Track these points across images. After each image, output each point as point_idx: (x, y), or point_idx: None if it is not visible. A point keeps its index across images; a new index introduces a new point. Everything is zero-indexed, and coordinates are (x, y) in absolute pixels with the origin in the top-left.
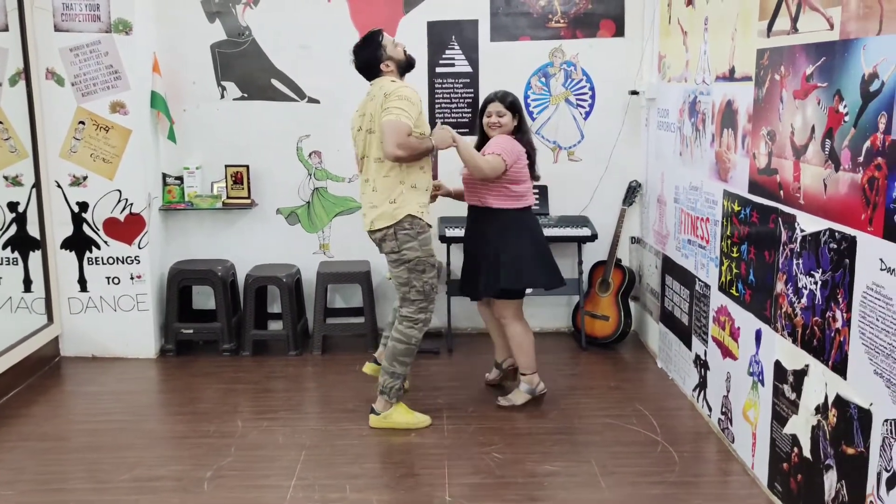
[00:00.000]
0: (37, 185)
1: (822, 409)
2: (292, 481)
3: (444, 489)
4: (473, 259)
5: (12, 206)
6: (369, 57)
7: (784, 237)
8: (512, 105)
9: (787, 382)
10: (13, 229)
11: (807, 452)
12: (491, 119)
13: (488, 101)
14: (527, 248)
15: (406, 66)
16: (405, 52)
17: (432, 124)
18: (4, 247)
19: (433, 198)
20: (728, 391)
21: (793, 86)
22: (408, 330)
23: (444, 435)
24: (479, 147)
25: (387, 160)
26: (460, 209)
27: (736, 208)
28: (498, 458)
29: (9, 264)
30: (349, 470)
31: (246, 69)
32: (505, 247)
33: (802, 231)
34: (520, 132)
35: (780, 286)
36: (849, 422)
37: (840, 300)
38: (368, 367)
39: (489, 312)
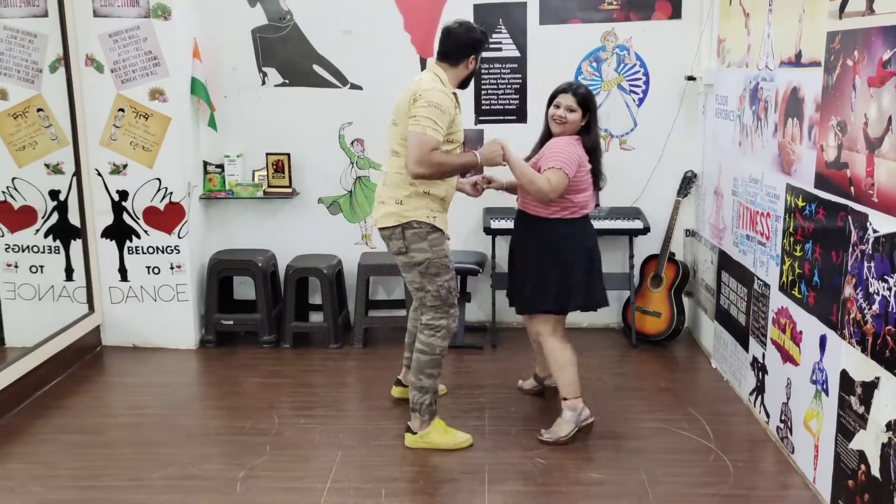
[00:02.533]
0: (77, 173)
1: (893, 427)
2: (327, 484)
3: (484, 496)
4: (518, 271)
5: (54, 194)
6: (473, 40)
7: (854, 237)
8: (584, 101)
9: (855, 394)
10: (55, 217)
11: (875, 471)
12: (559, 111)
13: (559, 90)
14: (579, 267)
15: (469, 80)
16: (472, 73)
17: (478, 111)
18: (46, 235)
19: (480, 190)
20: (788, 398)
21: (867, 72)
22: (430, 339)
23: (484, 437)
24: (542, 140)
25: (405, 156)
26: (506, 200)
27: (800, 204)
28: (541, 463)
29: (51, 252)
30: (386, 473)
31: (287, 55)
32: (556, 264)
33: (875, 231)
34: (586, 133)
35: (848, 290)
36: None
37: None
38: (395, 391)
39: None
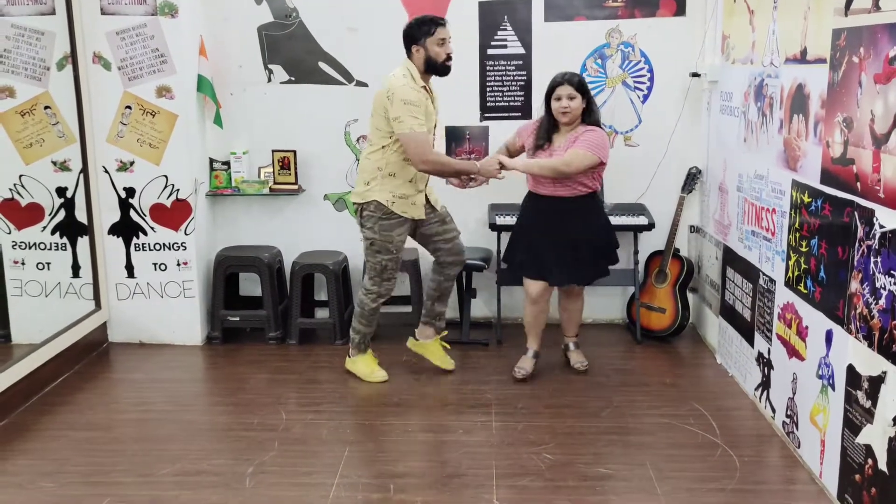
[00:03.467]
0: (84, 170)
1: None
2: (335, 479)
3: (492, 491)
4: (571, 247)
5: (61, 191)
6: (409, 33)
7: (860, 233)
8: (581, 86)
9: (862, 389)
10: (62, 214)
11: (882, 465)
12: (561, 103)
13: (556, 83)
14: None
15: (433, 67)
16: (446, 58)
17: (484, 108)
18: (53, 232)
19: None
20: (794, 393)
21: (873, 69)
22: (363, 297)
23: (492, 433)
24: (547, 134)
25: (375, 143)
26: (510, 196)
27: (806, 199)
28: (548, 458)
29: (58, 249)
30: (393, 468)
31: (293, 52)
32: (603, 231)
33: (882, 227)
34: (590, 114)
35: (854, 285)
36: None
37: None
38: (409, 342)
39: (546, 298)
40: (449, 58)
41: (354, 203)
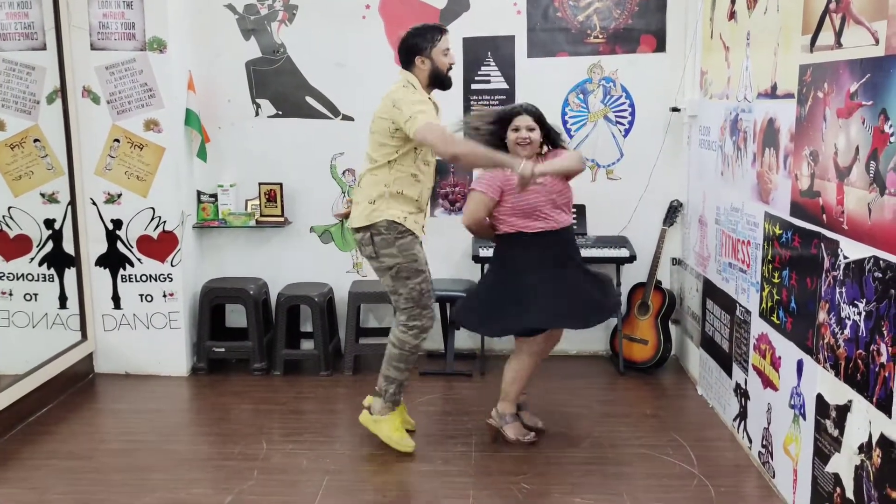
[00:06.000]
0: (72, 202)
1: (865, 449)
2: None
3: None
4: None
5: (49, 223)
6: (413, 44)
7: (827, 263)
8: (540, 117)
9: (830, 418)
10: (49, 246)
11: (850, 493)
12: (521, 133)
13: (515, 113)
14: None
15: (439, 79)
16: (448, 69)
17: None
18: (41, 263)
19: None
20: (769, 423)
21: (836, 104)
22: (402, 335)
23: (470, 463)
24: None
25: (379, 160)
26: None
27: (777, 231)
28: (526, 488)
29: (45, 281)
30: (371, 498)
31: (280, 87)
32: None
33: (846, 258)
34: (556, 137)
35: (822, 315)
36: (893, 463)
37: (885, 333)
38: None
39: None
40: (451, 68)
41: (358, 228)
